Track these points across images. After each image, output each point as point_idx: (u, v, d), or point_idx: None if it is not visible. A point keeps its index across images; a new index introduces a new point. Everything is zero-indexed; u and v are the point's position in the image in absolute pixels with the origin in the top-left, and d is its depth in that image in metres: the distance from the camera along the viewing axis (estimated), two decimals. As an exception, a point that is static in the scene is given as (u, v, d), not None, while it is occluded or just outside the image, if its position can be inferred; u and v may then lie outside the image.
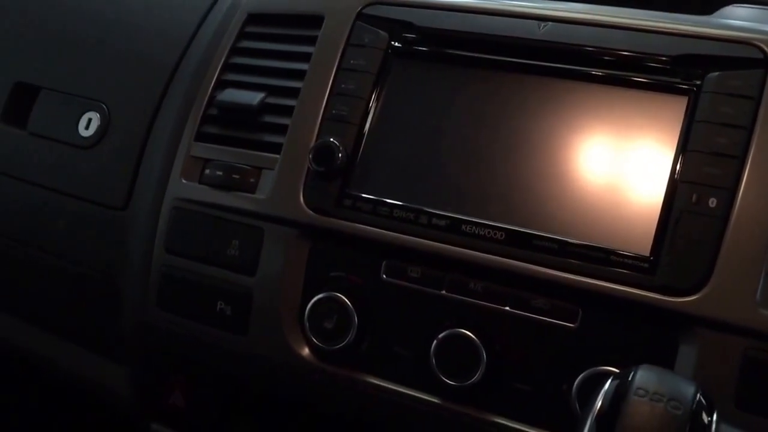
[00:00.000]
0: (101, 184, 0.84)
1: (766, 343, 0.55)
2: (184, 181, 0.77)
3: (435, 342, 0.63)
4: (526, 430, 0.62)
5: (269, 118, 0.75)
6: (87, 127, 0.86)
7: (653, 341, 0.59)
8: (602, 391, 0.45)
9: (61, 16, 0.94)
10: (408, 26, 0.72)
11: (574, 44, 0.66)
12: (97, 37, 0.90)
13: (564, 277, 0.61)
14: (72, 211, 0.85)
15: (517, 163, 0.65)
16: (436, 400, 0.65)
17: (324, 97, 0.72)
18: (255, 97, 0.75)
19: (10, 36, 0.96)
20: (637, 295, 0.59)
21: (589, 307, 0.61)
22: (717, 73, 0.61)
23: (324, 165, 0.68)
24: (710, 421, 0.42)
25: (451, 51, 0.70)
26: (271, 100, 0.75)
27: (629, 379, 0.44)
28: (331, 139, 0.69)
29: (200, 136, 0.78)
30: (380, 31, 0.72)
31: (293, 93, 0.74)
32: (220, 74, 0.79)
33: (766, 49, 0.61)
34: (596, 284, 0.60)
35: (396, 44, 0.72)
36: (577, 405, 0.59)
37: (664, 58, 0.63)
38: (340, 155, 0.68)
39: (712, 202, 0.58)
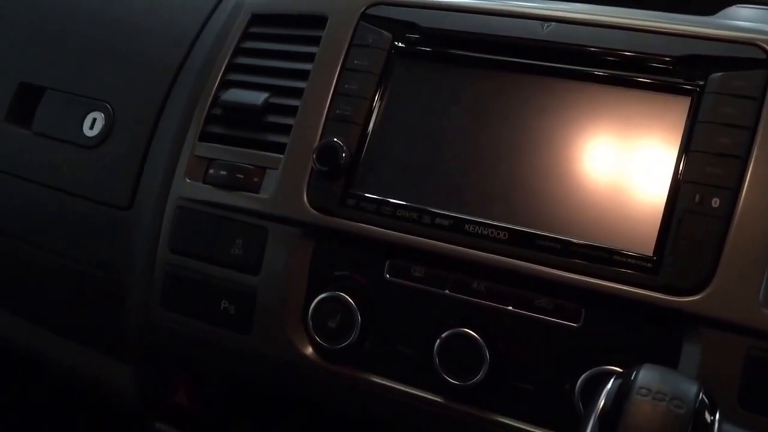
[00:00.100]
0: (105, 183, 0.84)
1: None
2: (188, 180, 0.77)
3: (438, 341, 0.63)
4: (529, 429, 0.62)
5: (273, 118, 0.75)
6: (91, 127, 0.86)
7: (656, 341, 0.60)
8: (605, 390, 0.45)
9: (65, 17, 0.94)
10: (411, 27, 0.72)
11: (577, 44, 0.66)
12: (101, 37, 0.91)
13: (567, 277, 0.61)
14: (76, 211, 0.86)
15: (521, 163, 0.65)
16: (439, 400, 0.65)
17: (328, 97, 0.72)
18: (259, 97, 0.75)
19: (15, 37, 0.96)
20: (640, 294, 0.59)
21: (592, 306, 0.61)
22: (720, 74, 0.61)
23: (328, 165, 0.68)
24: (713, 420, 0.42)
25: (454, 51, 0.70)
26: (275, 100, 0.75)
27: (632, 378, 0.44)
28: (335, 139, 0.69)
29: (204, 136, 0.78)
30: (383, 31, 0.72)
31: (297, 93, 0.74)
32: (224, 74, 0.79)
33: (769, 49, 0.61)
34: (599, 284, 0.60)
35: (399, 44, 0.72)
36: (580, 404, 0.59)
37: (667, 59, 0.63)
38: (343, 155, 0.68)
39: (715, 202, 0.58)
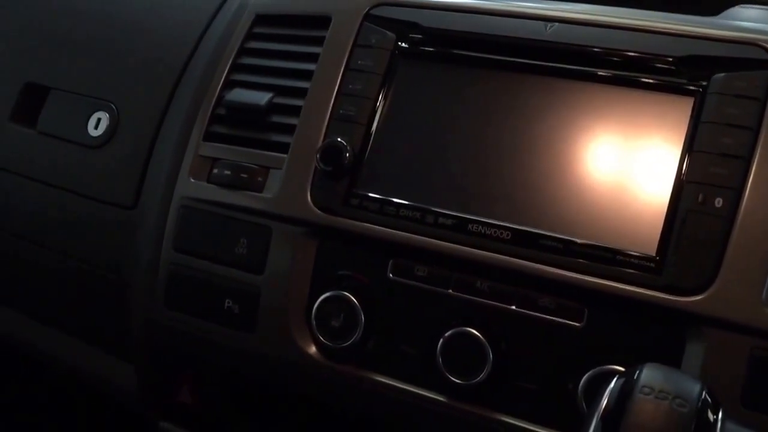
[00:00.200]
0: (110, 183, 0.84)
1: None
2: (192, 180, 0.77)
3: (441, 341, 0.63)
4: (532, 428, 0.63)
5: (277, 118, 0.75)
6: (96, 127, 0.87)
7: (659, 340, 0.60)
8: (608, 390, 0.46)
9: (70, 18, 0.95)
10: (415, 27, 0.72)
11: (580, 45, 0.66)
12: (106, 37, 0.91)
13: (570, 277, 0.61)
14: (80, 210, 0.86)
15: (524, 163, 0.65)
16: (442, 399, 0.66)
17: (331, 97, 0.72)
18: (263, 97, 0.75)
19: (21, 37, 0.97)
20: (643, 294, 0.59)
21: (595, 306, 0.61)
22: (723, 74, 0.61)
23: (331, 164, 0.69)
24: (716, 419, 0.42)
25: (457, 51, 0.70)
26: (279, 100, 0.76)
27: (635, 377, 0.44)
28: (339, 139, 0.69)
29: (209, 136, 0.78)
30: (387, 31, 0.73)
31: (301, 93, 0.74)
32: (228, 74, 0.79)
33: (772, 50, 0.61)
34: (602, 283, 0.60)
35: (403, 45, 0.72)
36: (583, 404, 0.59)
37: (670, 59, 0.63)
38: (347, 155, 0.69)
39: (718, 202, 0.58)
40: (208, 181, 0.76)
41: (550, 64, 0.67)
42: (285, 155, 0.73)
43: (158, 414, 0.85)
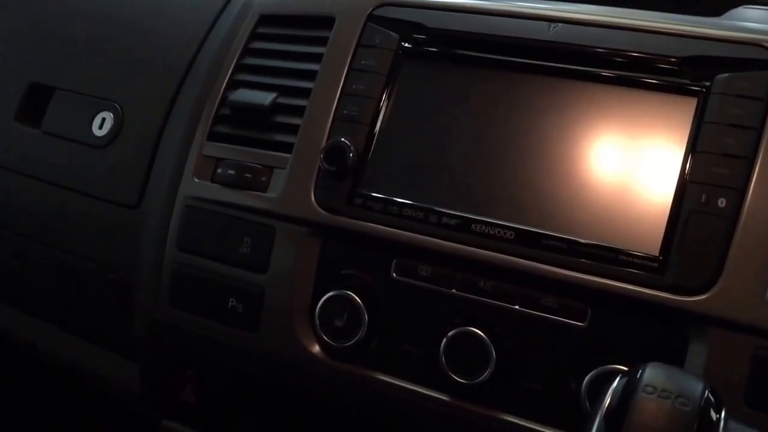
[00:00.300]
0: (114, 182, 0.85)
1: None
2: (196, 179, 0.77)
3: (444, 340, 0.64)
4: (535, 427, 0.63)
5: (281, 118, 0.76)
6: (101, 127, 0.87)
7: (663, 340, 0.60)
8: (611, 389, 0.46)
9: (74, 18, 0.95)
10: (418, 27, 0.72)
11: (583, 45, 0.66)
12: (110, 38, 0.92)
13: (573, 277, 0.61)
14: (85, 210, 0.86)
15: (527, 163, 0.65)
16: (445, 398, 0.66)
17: (335, 98, 0.72)
18: (267, 98, 0.76)
19: (25, 37, 0.97)
20: (646, 294, 0.59)
21: (599, 306, 0.62)
22: (726, 75, 0.61)
23: (335, 164, 0.69)
24: (719, 418, 0.42)
25: (461, 52, 0.70)
26: (283, 100, 0.76)
27: (637, 376, 0.44)
28: (342, 139, 0.69)
29: (212, 136, 0.78)
30: (391, 32, 0.73)
31: (305, 93, 0.75)
32: (232, 75, 0.80)
33: (775, 50, 0.61)
34: (605, 283, 0.60)
35: (406, 45, 0.72)
36: (587, 403, 0.59)
37: (673, 60, 0.63)
38: (351, 155, 0.69)
39: (722, 202, 0.59)
40: (212, 181, 0.77)
41: (553, 65, 0.67)
42: (289, 155, 0.73)
43: (162, 413, 0.85)
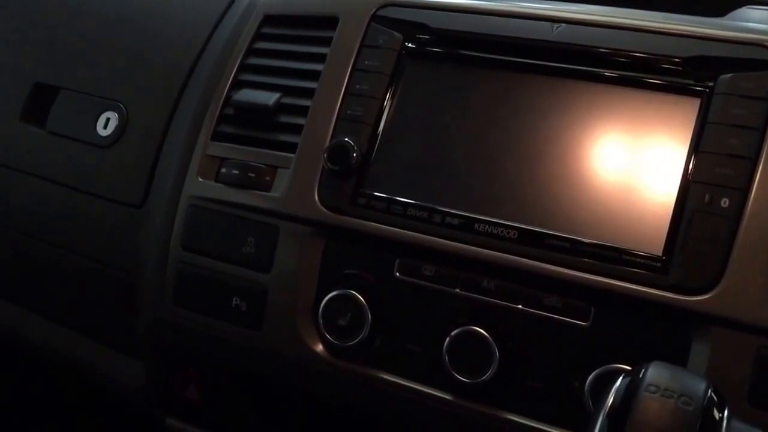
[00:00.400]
0: (119, 182, 0.85)
1: None
2: (200, 179, 0.78)
3: (448, 339, 0.64)
4: (538, 426, 0.63)
5: (285, 118, 0.76)
6: (105, 127, 0.88)
7: (666, 340, 0.60)
8: (614, 388, 0.46)
9: (78, 18, 0.96)
10: (422, 28, 0.72)
11: (587, 45, 0.67)
12: (115, 38, 0.92)
13: (577, 276, 0.61)
14: (89, 209, 0.87)
15: (530, 163, 0.65)
16: (448, 397, 0.66)
17: (339, 98, 0.73)
18: (271, 98, 0.76)
19: (30, 38, 0.97)
20: (649, 294, 0.59)
21: (602, 305, 0.62)
22: (729, 75, 0.61)
23: (339, 164, 0.69)
24: (722, 417, 0.42)
25: (464, 52, 0.71)
26: (287, 100, 0.76)
27: (640, 375, 0.44)
28: (346, 139, 0.69)
29: (216, 136, 0.79)
30: (394, 32, 0.73)
31: (308, 93, 0.75)
32: (236, 74, 0.80)
33: (778, 50, 0.61)
34: (609, 283, 0.60)
35: (410, 45, 0.72)
36: (590, 402, 0.60)
37: (676, 60, 0.63)
38: (354, 154, 0.69)
39: (725, 203, 0.59)
40: (216, 181, 0.77)
41: (557, 65, 0.67)
42: (292, 155, 0.73)
43: (165, 411, 0.86)
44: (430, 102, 0.70)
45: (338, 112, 0.72)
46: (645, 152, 0.63)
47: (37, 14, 0.99)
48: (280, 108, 0.76)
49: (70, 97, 0.91)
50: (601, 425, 0.45)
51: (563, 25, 0.68)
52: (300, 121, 0.74)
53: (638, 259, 0.60)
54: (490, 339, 0.62)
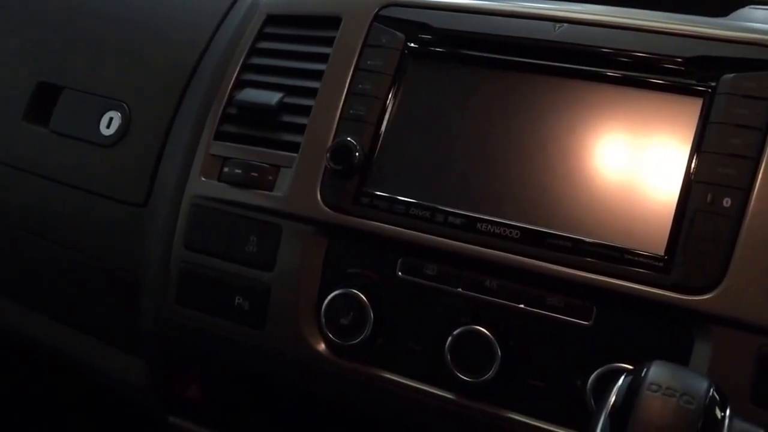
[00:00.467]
0: (122, 181, 0.85)
1: None
2: (203, 178, 0.78)
3: (450, 338, 0.64)
4: (540, 425, 0.63)
5: (287, 118, 0.76)
6: (108, 126, 0.88)
7: (668, 339, 0.60)
8: (616, 387, 0.46)
9: (82, 18, 0.96)
10: (424, 27, 0.73)
11: (589, 45, 0.67)
12: (118, 38, 0.92)
13: (579, 275, 0.61)
14: (92, 208, 0.87)
15: (533, 163, 0.65)
16: (450, 396, 0.66)
17: (341, 97, 0.73)
18: (273, 97, 0.76)
19: (34, 37, 0.98)
20: (651, 293, 0.59)
21: (604, 305, 0.62)
22: (732, 75, 0.61)
23: (341, 163, 0.69)
24: (723, 416, 0.42)
25: (466, 52, 0.71)
26: (290, 99, 0.76)
27: (642, 374, 0.44)
28: (349, 139, 0.70)
29: (219, 135, 0.79)
30: (397, 32, 0.73)
31: (311, 93, 0.75)
32: (239, 74, 0.80)
33: (781, 51, 0.61)
34: (611, 282, 0.60)
35: (412, 45, 0.73)
36: (592, 401, 0.60)
37: (679, 60, 0.63)
38: (357, 154, 0.69)
39: (727, 202, 0.59)
40: (219, 180, 0.77)
41: (559, 65, 0.67)
42: (295, 154, 0.74)
43: (167, 409, 0.86)
44: (433, 102, 0.70)
45: (341, 111, 0.72)
46: (647, 152, 0.63)
47: (40, 14, 0.99)
48: (282, 107, 0.76)
49: (73, 97, 0.92)
50: (603, 424, 0.45)
51: (565, 24, 0.68)
52: (303, 120, 0.74)
53: (640, 259, 0.60)
54: (492, 338, 0.63)
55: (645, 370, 0.44)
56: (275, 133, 0.76)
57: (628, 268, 0.60)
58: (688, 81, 0.63)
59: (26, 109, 0.94)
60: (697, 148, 0.61)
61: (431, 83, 0.71)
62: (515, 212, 0.64)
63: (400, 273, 0.68)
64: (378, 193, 0.69)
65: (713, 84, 0.62)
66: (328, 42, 0.76)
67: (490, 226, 0.65)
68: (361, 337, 0.68)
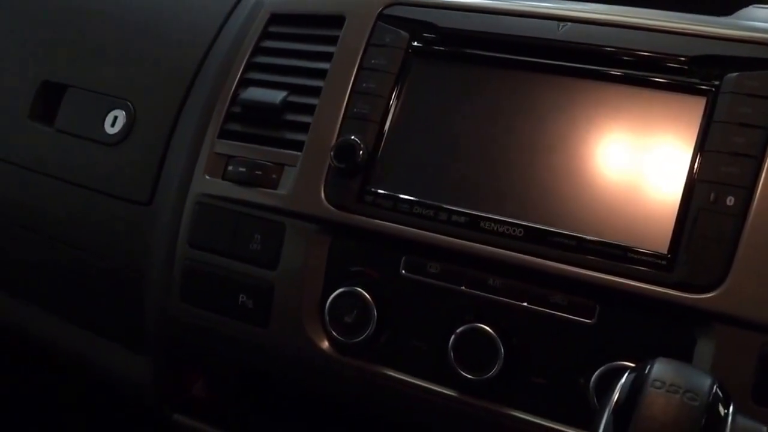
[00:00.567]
0: (126, 180, 0.86)
1: None
2: (207, 177, 0.78)
3: (453, 336, 0.64)
4: (543, 423, 0.63)
5: (291, 116, 0.76)
6: (113, 125, 0.88)
7: (670, 337, 0.60)
8: (619, 384, 0.46)
9: (86, 17, 0.96)
10: (428, 26, 0.73)
11: (593, 44, 0.67)
12: (122, 37, 0.92)
13: (582, 274, 0.61)
14: (97, 207, 0.87)
15: (536, 161, 0.65)
16: (453, 394, 0.66)
17: (345, 96, 0.73)
18: (277, 96, 0.76)
19: (38, 36, 0.98)
20: (654, 291, 0.59)
21: (607, 303, 0.62)
22: (735, 74, 0.61)
23: (345, 162, 0.69)
24: (726, 413, 0.42)
25: (470, 51, 0.71)
26: (294, 98, 0.76)
27: (646, 371, 0.44)
28: (353, 137, 0.70)
29: (223, 134, 0.79)
30: (401, 31, 0.73)
31: (315, 92, 0.75)
32: (243, 73, 0.80)
33: (784, 50, 0.61)
34: (614, 281, 0.60)
35: (416, 44, 0.73)
36: (595, 399, 0.60)
37: (682, 59, 0.64)
38: (361, 153, 0.69)
39: (730, 201, 0.59)
40: (223, 178, 0.77)
41: (563, 64, 0.67)
42: (299, 153, 0.74)
43: (172, 407, 0.86)
44: (437, 100, 0.71)
45: (345, 110, 0.73)
46: (651, 151, 0.63)
47: (45, 13, 0.99)
48: (286, 106, 0.76)
49: (78, 96, 0.92)
50: (606, 421, 0.45)
51: (569, 23, 0.68)
52: (307, 119, 0.75)
53: (643, 257, 0.60)
54: (496, 336, 0.63)
55: (649, 366, 0.44)
56: (279, 132, 0.77)
57: (632, 267, 0.60)
58: (692, 80, 0.63)
59: (31, 107, 0.94)
60: (701, 147, 0.61)
61: (435, 82, 0.71)
62: (519, 211, 0.65)
63: (403, 271, 0.69)
64: (382, 191, 0.69)
65: (717, 83, 0.62)
66: (332, 41, 0.77)
67: (493, 224, 0.65)
68: (365, 335, 0.68)
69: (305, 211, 0.72)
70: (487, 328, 0.63)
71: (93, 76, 0.92)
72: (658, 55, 0.64)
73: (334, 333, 0.69)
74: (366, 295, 0.68)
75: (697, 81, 0.63)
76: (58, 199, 0.90)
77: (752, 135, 0.60)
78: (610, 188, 0.63)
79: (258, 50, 0.81)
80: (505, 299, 0.65)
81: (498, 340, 0.63)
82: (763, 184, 0.59)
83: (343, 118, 0.72)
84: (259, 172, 0.75)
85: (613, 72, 0.66)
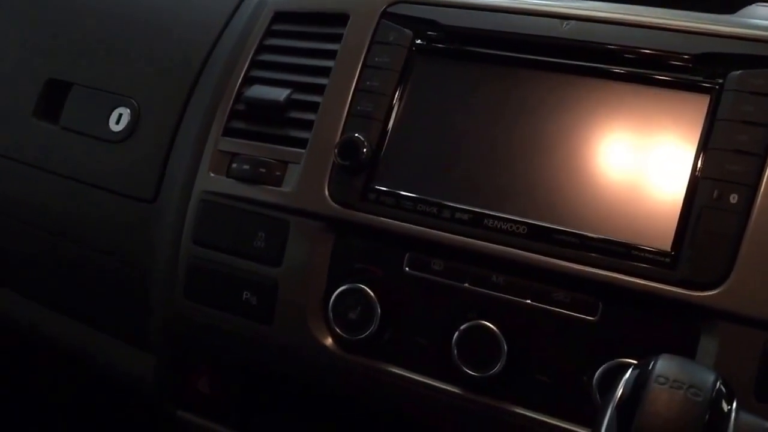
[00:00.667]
0: (131, 177, 0.86)
1: None
2: (211, 174, 0.78)
3: (457, 333, 0.64)
4: (547, 420, 0.63)
5: (295, 114, 0.76)
6: (117, 122, 0.88)
7: (674, 334, 0.60)
8: (623, 380, 0.46)
9: (91, 16, 0.96)
10: (432, 24, 0.73)
11: (596, 42, 0.67)
12: (127, 35, 0.93)
13: (585, 271, 0.62)
14: (102, 204, 0.87)
15: (540, 159, 0.65)
16: (456, 391, 0.66)
17: (349, 94, 0.73)
18: (281, 94, 0.76)
19: (43, 34, 0.98)
20: (657, 289, 0.59)
21: (610, 300, 0.62)
22: (739, 72, 0.62)
23: (349, 159, 0.70)
24: (730, 409, 0.43)
25: (474, 49, 0.71)
26: (298, 96, 0.77)
27: (649, 367, 0.44)
28: (356, 135, 0.70)
29: (228, 131, 0.79)
30: (405, 29, 0.74)
31: (319, 89, 0.75)
32: (247, 71, 0.80)
33: (788, 48, 0.61)
34: (617, 278, 0.60)
35: (420, 42, 0.73)
36: (598, 396, 0.60)
37: (686, 57, 0.64)
38: (364, 150, 0.70)
39: (734, 198, 0.59)
40: (227, 176, 0.78)
41: (566, 62, 0.68)
42: (303, 150, 0.74)
43: (176, 404, 0.86)
44: (440, 98, 0.71)
45: (348, 108, 0.73)
46: (654, 148, 0.63)
47: (50, 11, 1.00)
48: (290, 104, 0.77)
49: (83, 93, 0.92)
50: (610, 417, 0.45)
51: (573, 21, 0.69)
52: (311, 117, 0.75)
53: (647, 255, 0.60)
54: (499, 333, 0.63)
55: (652, 362, 0.45)
56: (283, 129, 0.77)
57: (635, 264, 0.60)
58: (696, 78, 0.63)
59: (36, 105, 0.94)
60: (704, 145, 0.61)
61: (439, 80, 0.71)
62: (522, 208, 0.65)
63: (407, 268, 0.69)
64: (385, 189, 0.69)
65: (720, 81, 0.62)
66: (336, 39, 0.77)
67: (496, 221, 0.65)
68: (369, 332, 0.68)
69: (309, 209, 0.72)
70: (491, 326, 0.63)
71: (97, 74, 0.92)
72: (662, 53, 0.65)
73: (337, 330, 0.69)
74: (370, 292, 0.68)
75: (700, 79, 0.63)
76: (62, 196, 0.90)
77: (756, 133, 0.60)
78: (614, 186, 0.63)
79: (262, 48, 0.81)
80: (508, 296, 0.65)
81: (501, 337, 0.63)
82: (766, 181, 0.59)
83: (347, 115, 0.73)
84: (263, 170, 0.75)
85: (617, 70, 0.66)
